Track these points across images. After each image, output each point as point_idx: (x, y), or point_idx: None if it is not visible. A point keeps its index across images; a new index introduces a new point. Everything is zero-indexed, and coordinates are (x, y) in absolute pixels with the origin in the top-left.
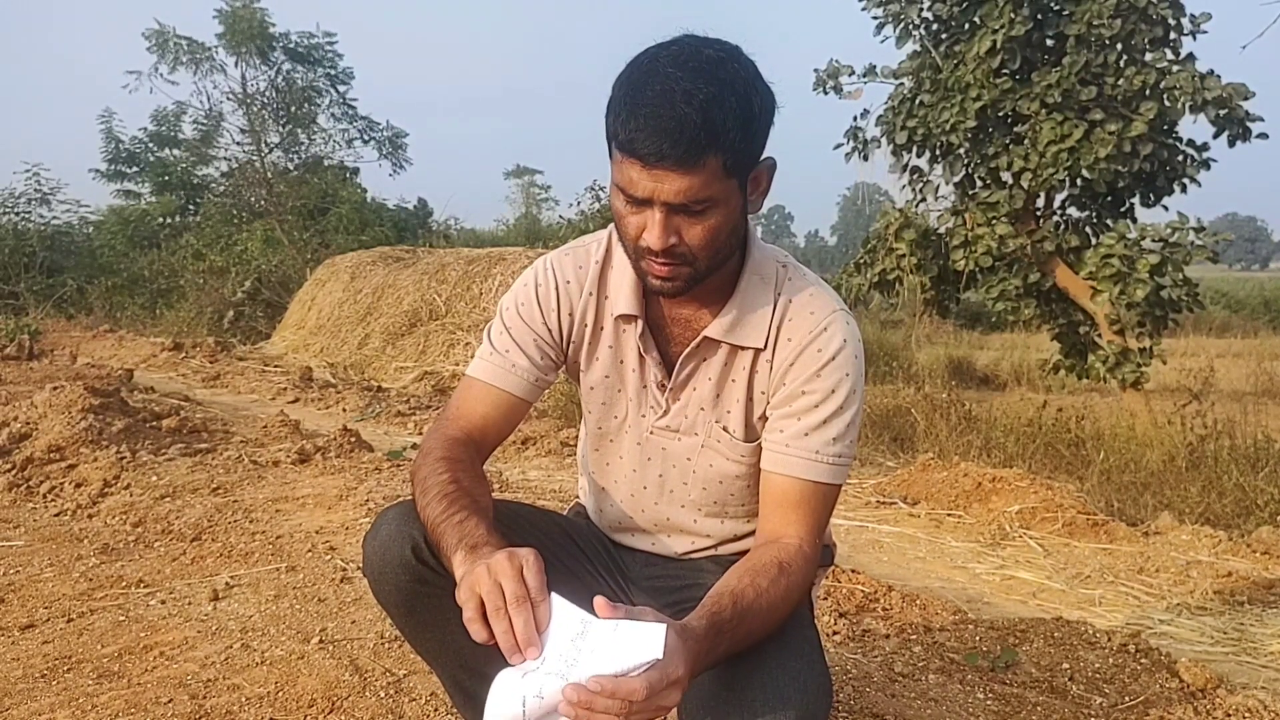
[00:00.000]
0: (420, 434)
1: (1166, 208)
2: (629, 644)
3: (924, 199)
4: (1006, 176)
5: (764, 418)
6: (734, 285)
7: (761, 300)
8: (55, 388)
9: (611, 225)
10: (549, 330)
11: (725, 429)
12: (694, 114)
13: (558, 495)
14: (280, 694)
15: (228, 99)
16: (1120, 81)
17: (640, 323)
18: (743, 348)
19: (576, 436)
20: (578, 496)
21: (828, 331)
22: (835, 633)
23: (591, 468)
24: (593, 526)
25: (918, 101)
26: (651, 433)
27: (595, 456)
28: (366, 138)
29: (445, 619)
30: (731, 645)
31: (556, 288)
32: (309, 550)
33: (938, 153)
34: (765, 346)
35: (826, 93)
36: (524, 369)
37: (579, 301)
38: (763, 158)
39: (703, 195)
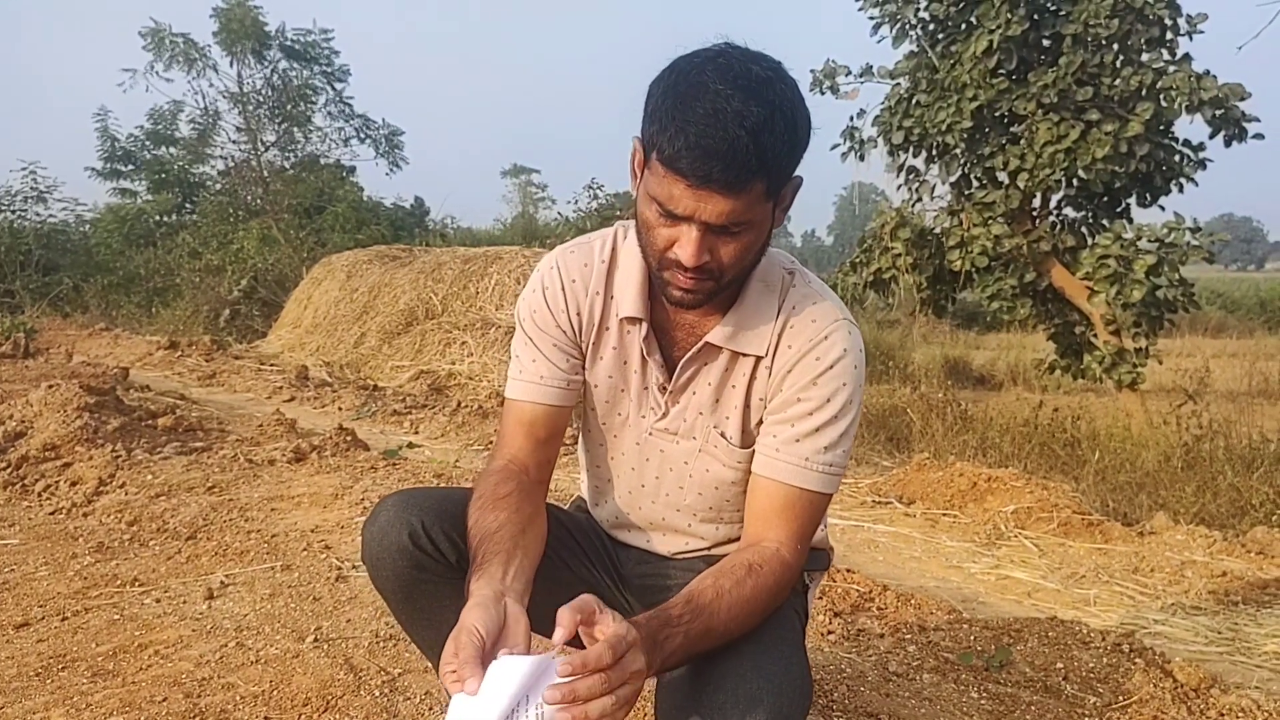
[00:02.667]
0: (416, 433)
1: (1163, 208)
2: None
3: (920, 199)
4: (1003, 176)
5: (762, 424)
6: (739, 292)
7: (765, 307)
8: (51, 386)
9: (617, 225)
10: (563, 331)
11: (723, 434)
12: (746, 138)
13: (556, 495)
14: (275, 692)
15: (223, 97)
16: (1117, 82)
17: (645, 325)
18: (744, 354)
19: (578, 437)
20: (579, 492)
21: (828, 340)
22: (830, 632)
23: (591, 464)
24: (591, 521)
25: (914, 101)
26: (650, 434)
27: (595, 453)
28: (363, 136)
29: (442, 606)
30: (688, 641)
31: (563, 288)
32: (304, 549)
33: (934, 153)
34: (766, 354)
35: (823, 93)
36: (552, 377)
37: (585, 301)
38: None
39: (744, 218)
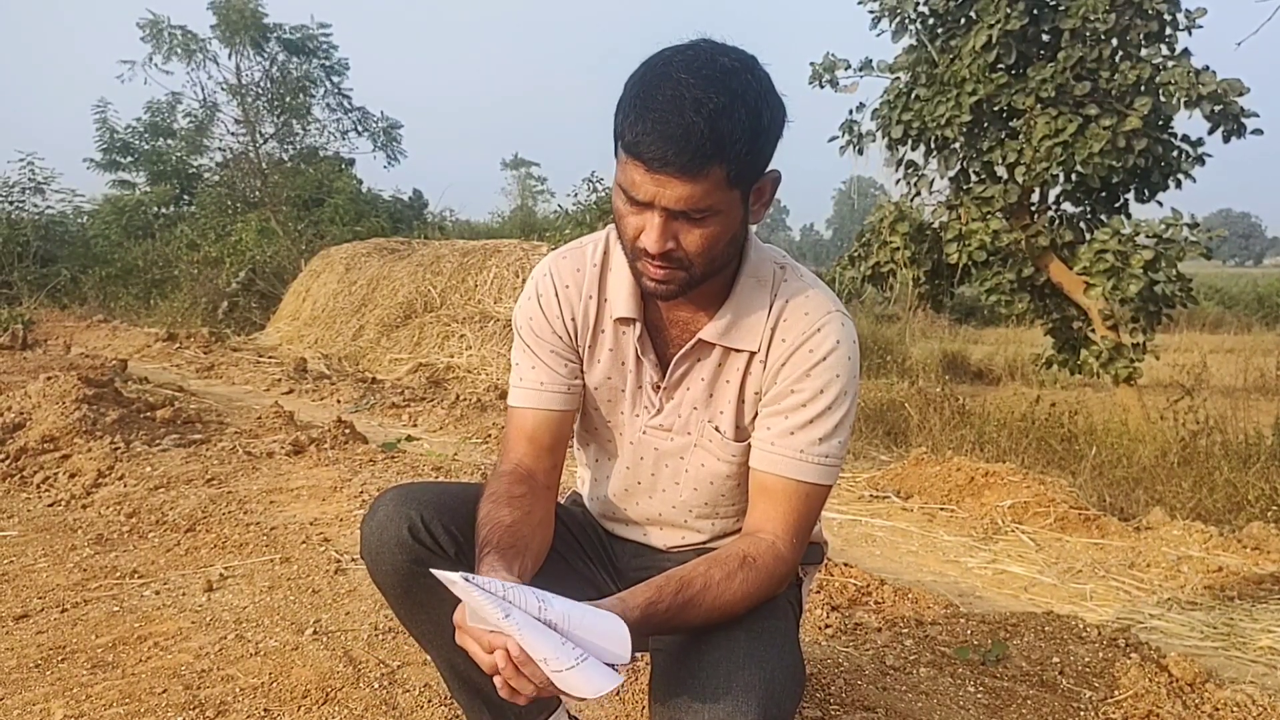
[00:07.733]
0: (414, 425)
1: (1161, 203)
2: (601, 622)
3: (918, 193)
4: (1001, 171)
5: (757, 417)
6: (730, 288)
7: (757, 303)
8: (49, 378)
9: (610, 227)
10: (559, 337)
11: (717, 429)
12: (702, 123)
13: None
14: (274, 685)
15: (222, 89)
16: (1115, 76)
17: (639, 325)
18: (737, 350)
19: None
20: (575, 486)
21: (821, 332)
22: (827, 625)
23: (587, 461)
24: (587, 516)
25: (913, 95)
26: (645, 432)
27: (591, 451)
28: (361, 129)
29: (441, 600)
30: (668, 626)
31: (556, 294)
32: (303, 541)
33: (933, 147)
34: (759, 348)
35: (822, 86)
36: (552, 383)
37: (579, 305)
38: (768, 169)
39: (703, 204)
